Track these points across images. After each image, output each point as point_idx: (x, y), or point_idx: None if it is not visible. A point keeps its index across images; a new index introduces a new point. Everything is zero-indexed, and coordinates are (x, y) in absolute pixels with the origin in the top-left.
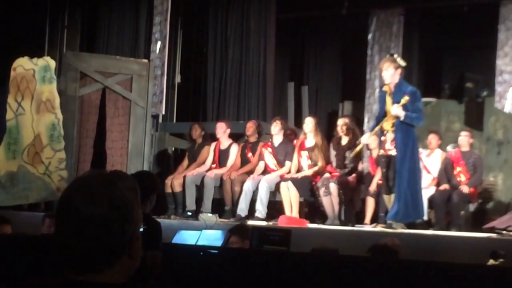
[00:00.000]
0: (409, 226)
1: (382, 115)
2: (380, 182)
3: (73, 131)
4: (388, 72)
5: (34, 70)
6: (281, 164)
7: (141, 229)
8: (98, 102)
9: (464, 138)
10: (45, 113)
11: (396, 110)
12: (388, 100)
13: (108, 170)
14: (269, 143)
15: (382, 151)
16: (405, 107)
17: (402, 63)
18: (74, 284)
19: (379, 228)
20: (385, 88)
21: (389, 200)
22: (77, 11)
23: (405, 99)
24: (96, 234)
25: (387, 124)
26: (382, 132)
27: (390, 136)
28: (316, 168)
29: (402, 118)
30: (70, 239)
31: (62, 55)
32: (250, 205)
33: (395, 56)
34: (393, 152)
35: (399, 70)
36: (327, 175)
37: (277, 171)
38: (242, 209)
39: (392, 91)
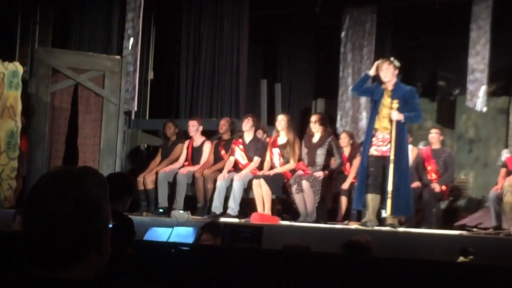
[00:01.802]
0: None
1: (366, 90)
2: (354, 180)
3: (44, 127)
4: (389, 71)
5: (4, 74)
6: (251, 160)
7: (110, 225)
8: (70, 98)
9: (434, 136)
10: (7, 119)
11: (395, 115)
12: (385, 98)
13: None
14: (240, 140)
15: (374, 151)
16: (400, 108)
17: (398, 64)
18: (42, 280)
19: (354, 226)
20: (383, 86)
21: (375, 199)
22: (49, 7)
23: (396, 103)
24: (64, 231)
25: (382, 124)
26: (371, 131)
27: (383, 135)
28: (288, 166)
29: (403, 121)
30: (38, 236)
31: (34, 51)
32: (223, 202)
33: (392, 58)
34: (387, 153)
35: (397, 71)
36: (299, 172)
37: (247, 167)
38: (217, 206)
39: (392, 90)
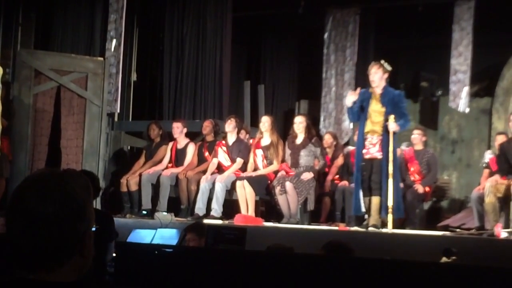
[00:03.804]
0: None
1: (359, 113)
2: (338, 181)
3: (27, 129)
4: (378, 75)
5: None
6: (235, 162)
7: (94, 229)
8: (53, 100)
9: (417, 136)
10: None
11: (393, 127)
12: (374, 102)
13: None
14: (224, 142)
15: (364, 154)
16: (389, 113)
17: (389, 68)
18: (25, 282)
19: (354, 228)
20: (371, 90)
21: (368, 201)
22: (31, 9)
23: (391, 118)
24: (48, 233)
25: (373, 127)
26: (363, 135)
27: (374, 139)
28: (271, 167)
29: (399, 130)
30: (21, 238)
31: (17, 53)
32: (206, 203)
33: (382, 61)
34: (378, 155)
35: (386, 75)
36: (282, 173)
37: (230, 169)
38: (200, 208)
39: (380, 94)
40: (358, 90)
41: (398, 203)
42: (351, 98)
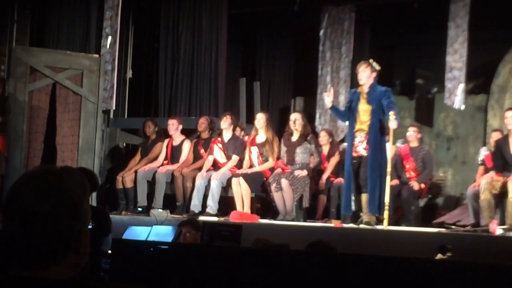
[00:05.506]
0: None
1: (348, 113)
2: (333, 179)
3: (22, 126)
4: (365, 73)
5: None
6: (230, 159)
7: (90, 226)
8: (48, 97)
9: (412, 134)
10: None
11: (393, 125)
12: (362, 102)
13: (58, 165)
14: (219, 139)
15: (353, 153)
16: (376, 109)
17: (377, 67)
18: (19, 279)
19: (350, 225)
20: (359, 90)
21: (363, 199)
22: (27, 5)
23: (392, 114)
24: (44, 230)
25: (361, 126)
26: (352, 136)
27: (361, 137)
28: (267, 164)
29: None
30: (16, 234)
31: (12, 50)
32: (202, 200)
33: (371, 60)
34: (365, 153)
35: (374, 74)
36: (278, 170)
37: (225, 166)
38: (195, 205)
39: (367, 92)
40: (331, 90)
41: (374, 199)
42: (327, 99)
